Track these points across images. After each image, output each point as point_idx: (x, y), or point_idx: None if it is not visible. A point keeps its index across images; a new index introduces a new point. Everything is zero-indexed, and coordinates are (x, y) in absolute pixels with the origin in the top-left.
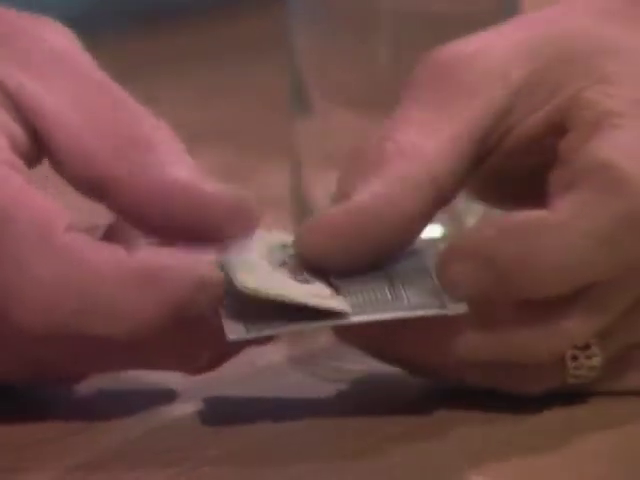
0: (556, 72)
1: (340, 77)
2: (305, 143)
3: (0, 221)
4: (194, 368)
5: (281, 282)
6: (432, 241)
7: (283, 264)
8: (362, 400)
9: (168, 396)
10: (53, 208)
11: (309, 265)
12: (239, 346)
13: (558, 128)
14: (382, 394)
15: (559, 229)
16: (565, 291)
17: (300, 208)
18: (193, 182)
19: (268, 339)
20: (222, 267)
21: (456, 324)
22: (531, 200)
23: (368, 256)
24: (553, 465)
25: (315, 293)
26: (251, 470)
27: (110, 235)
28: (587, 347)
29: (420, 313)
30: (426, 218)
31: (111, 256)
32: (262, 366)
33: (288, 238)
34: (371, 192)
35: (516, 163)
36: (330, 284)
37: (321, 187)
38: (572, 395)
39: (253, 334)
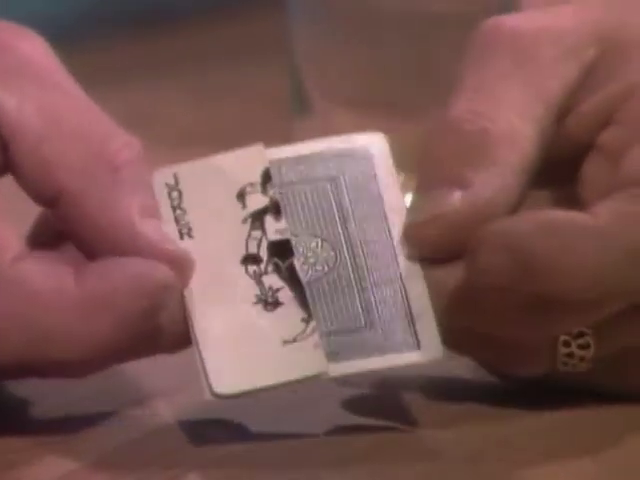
0: (618, 59)
1: (340, 77)
2: None
3: None
4: (161, 350)
5: (250, 340)
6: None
7: (244, 221)
8: (361, 400)
9: (166, 397)
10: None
11: (409, 250)
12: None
13: (605, 117)
14: (381, 394)
15: (600, 238)
16: (590, 298)
17: None
18: (158, 241)
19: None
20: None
21: (445, 287)
22: (552, 184)
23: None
24: (553, 465)
25: (287, 337)
26: (248, 473)
27: (42, 226)
28: (581, 335)
29: (397, 362)
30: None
31: (59, 285)
32: None
33: (255, 171)
34: (492, 185)
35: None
36: (302, 300)
37: None
38: (572, 396)
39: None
